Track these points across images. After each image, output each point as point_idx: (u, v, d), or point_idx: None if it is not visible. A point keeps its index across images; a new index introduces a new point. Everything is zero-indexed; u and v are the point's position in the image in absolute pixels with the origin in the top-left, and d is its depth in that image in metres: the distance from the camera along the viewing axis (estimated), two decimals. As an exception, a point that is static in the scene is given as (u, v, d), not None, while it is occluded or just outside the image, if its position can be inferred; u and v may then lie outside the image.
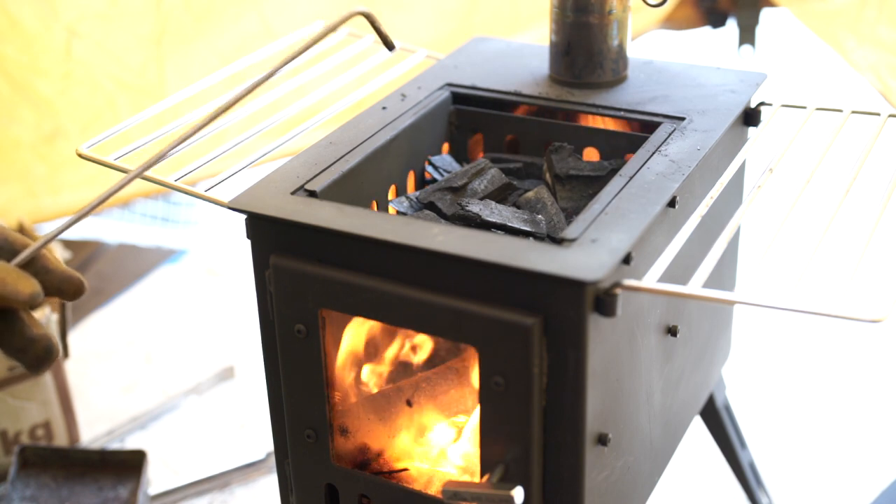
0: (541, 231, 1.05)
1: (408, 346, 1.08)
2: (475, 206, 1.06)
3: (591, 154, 1.18)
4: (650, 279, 0.88)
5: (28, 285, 0.79)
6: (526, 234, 1.04)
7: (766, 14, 2.40)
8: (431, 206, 1.09)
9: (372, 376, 1.08)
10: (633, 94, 1.19)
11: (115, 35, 1.80)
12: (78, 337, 2.03)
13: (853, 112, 1.18)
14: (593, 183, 1.12)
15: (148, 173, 1.07)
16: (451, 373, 1.05)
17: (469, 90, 1.23)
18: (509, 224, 1.04)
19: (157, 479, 1.68)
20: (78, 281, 0.85)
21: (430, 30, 2.10)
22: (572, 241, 0.90)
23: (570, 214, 1.10)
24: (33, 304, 0.79)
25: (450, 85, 1.24)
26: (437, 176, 1.17)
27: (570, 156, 1.13)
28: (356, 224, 0.94)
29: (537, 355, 0.89)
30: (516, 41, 1.37)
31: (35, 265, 0.83)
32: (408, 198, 1.11)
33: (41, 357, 0.82)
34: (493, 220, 1.04)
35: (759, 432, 1.75)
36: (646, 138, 1.10)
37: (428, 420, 1.06)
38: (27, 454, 1.58)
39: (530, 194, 1.11)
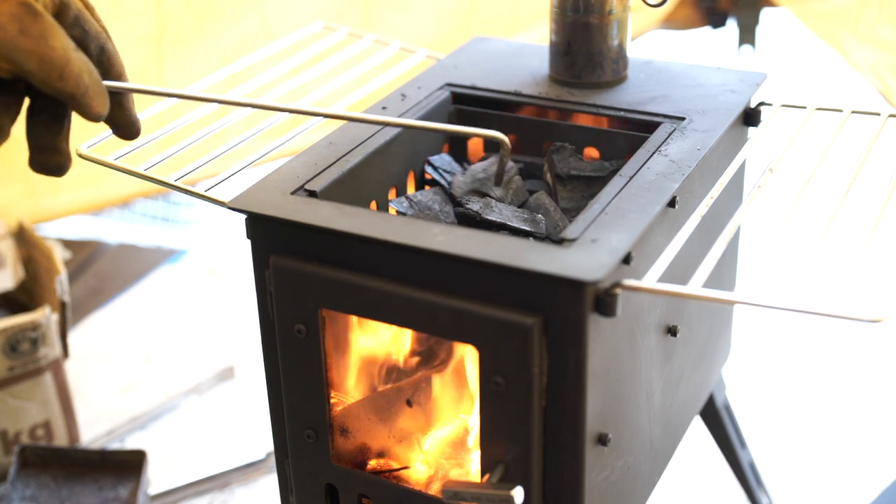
0: (541, 231, 1.05)
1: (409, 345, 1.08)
2: (475, 205, 1.06)
3: (591, 154, 1.18)
4: (650, 279, 0.88)
5: (102, 105, 0.81)
6: (526, 234, 1.04)
7: (766, 14, 2.40)
8: (429, 211, 1.09)
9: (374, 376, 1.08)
10: (633, 94, 1.19)
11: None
12: (78, 337, 2.03)
13: (853, 112, 1.18)
14: (594, 183, 1.12)
15: (148, 173, 1.07)
16: (451, 373, 1.05)
17: (469, 90, 1.23)
18: (509, 223, 1.04)
19: (157, 479, 1.68)
20: (137, 131, 0.88)
21: (430, 30, 2.10)
22: (572, 241, 0.90)
23: (571, 214, 1.10)
24: (90, 120, 0.82)
25: (450, 85, 1.24)
26: (436, 176, 1.17)
27: (571, 156, 1.13)
28: (356, 224, 0.94)
29: (537, 355, 0.89)
30: (516, 41, 1.37)
31: (117, 95, 0.86)
32: (408, 198, 1.11)
33: (52, 167, 0.85)
34: (493, 219, 1.04)
35: (759, 432, 1.75)
36: (646, 138, 1.10)
37: (428, 420, 1.06)
38: (27, 454, 1.58)
39: (530, 201, 1.11)
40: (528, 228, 1.05)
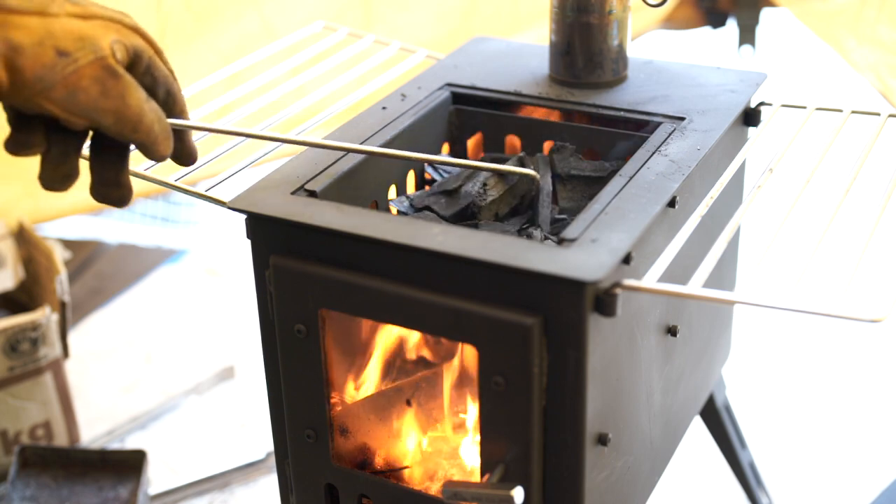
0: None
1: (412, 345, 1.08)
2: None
3: (591, 154, 1.18)
4: (650, 279, 0.88)
5: (168, 147, 0.87)
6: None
7: (766, 14, 2.40)
8: (429, 210, 1.09)
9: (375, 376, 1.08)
10: (633, 94, 1.19)
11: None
12: (78, 337, 2.03)
13: (853, 112, 1.18)
14: (594, 183, 1.12)
15: (148, 173, 1.07)
16: (451, 372, 1.05)
17: (469, 90, 1.23)
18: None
19: (157, 478, 1.68)
20: (195, 159, 0.94)
21: (430, 30, 2.10)
22: (572, 241, 0.90)
23: (571, 214, 1.10)
24: (156, 161, 0.88)
25: (450, 85, 1.24)
26: (436, 176, 1.17)
27: (571, 156, 1.13)
28: (356, 224, 0.94)
29: (537, 355, 0.89)
30: (516, 41, 1.37)
31: (179, 132, 0.91)
32: (408, 198, 1.11)
33: (114, 199, 0.90)
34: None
35: (759, 432, 1.75)
36: (646, 138, 1.10)
37: (428, 420, 1.06)
38: (27, 454, 1.58)
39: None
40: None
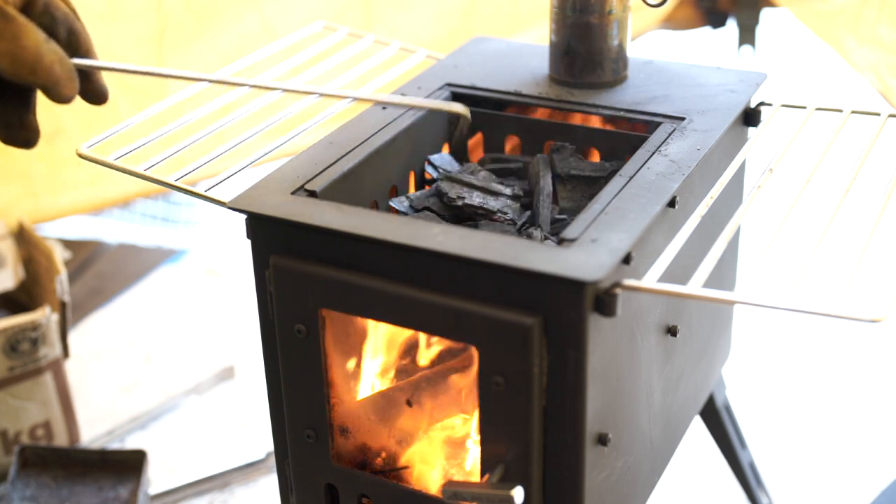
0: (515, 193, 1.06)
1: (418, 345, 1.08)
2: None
3: (591, 154, 1.18)
4: (650, 279, 0.88)
5: (72, 88, 0.84)
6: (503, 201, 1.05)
7: (766, 14, 2.40)
8: (429, 210, 1.09)
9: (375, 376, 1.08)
10: (633, 94, 1.19)
11: (115, 35, 1.79)
12: (78, 337, 2.03)
13: (853, 112, 1.18)
14: (594, 183, 1.12)
15: (148, 173, 1.07)
16: (452, 372, 1.05)
17: (469, 90, 1.23)
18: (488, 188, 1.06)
19: (157, 478, 1.68)
20: (105, 98, 0.91)
21: (430, 30, 2.10)
22: (572, 241, 0.90)
23: (571, 214, 1.10)
24: (61, 104, 0.85)
25: (450, 85, 1.24)
26: (436, 176, 1.17)
27: (571, 156, 1.13)
28: (356, 224, 0.94)
29: (537, 355, 0.89)
30: (516, 41, 1.37)
31: (87, 72, 0.88)
32: (408, 198, 1.11)
33: (20, 141, 0.88)
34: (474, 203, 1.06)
35: (759, 432, 1.75)
36: (646, 138, 1.10)
37: (428, 420, 1.06)
38: (27, 454, 1.58)
39: (530, 167, 1.12)
40: (506, 192, 1.05)
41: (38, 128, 0.89)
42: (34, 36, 0.80)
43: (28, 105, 0.87)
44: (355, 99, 0.95)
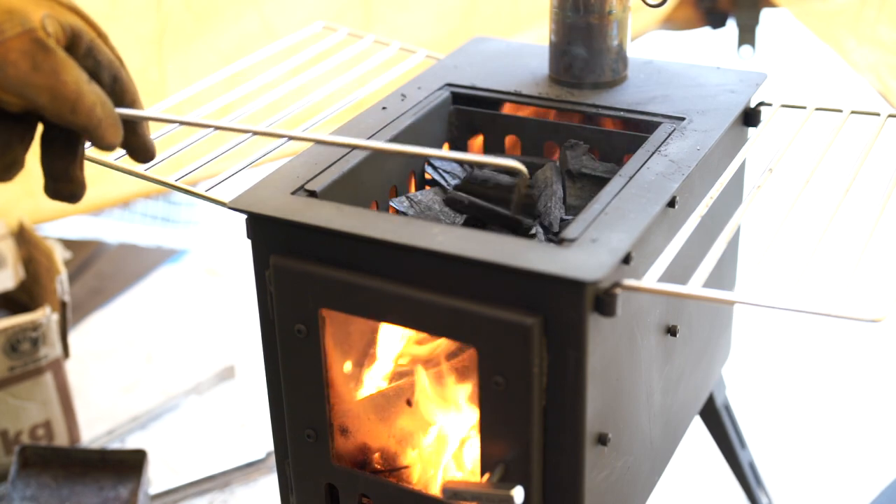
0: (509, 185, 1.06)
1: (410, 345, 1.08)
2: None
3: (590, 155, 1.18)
4: (650, 279, 0.88)
5: (115, 135, 0.82)
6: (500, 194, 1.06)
7: (766, 14, 2.40)
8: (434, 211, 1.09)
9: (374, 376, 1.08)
10: (632, 94, 1.19)
11: (115, 35, 1.78)
12: (78, 337, 2.03)
13: (853, 112, 1.18)
14: (603, 184, 1.12)
15: (148, 173, 1.07)
16: (451, 372, 1.05)
17: (469, 90, 1.23)
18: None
19: (157, 478, 1.68)
20: (152, 155, 0.89)
21: (430, 30, 2.10)
22: (572, 241, 0.90)
23: (577, 213, 1.10)
24: (104, 150, 0.83)
25: (450, 85, 1.24)
26: (436, 176, 1.17)
27: (584, 154, 1.13)
28: (356, 224, 0.94)
29: (537, 355, 0.89)
30: (516, 41, 1.37)
31: (131, 122, 0.86)
32: (408, 197, 1.11)
33: (65, 195, 0.86)
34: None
35: (759, 432, 1.75)
36: (646, 138, 1.10)
37: (428, 420, 1.06)
38: (27, 454, 1.58)
39: (537, 174, 1.11)
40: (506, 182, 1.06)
41: (84, 182, 0.87)
42: (75, 73, 0.78)
43: (75, 157, 0.85)
44: (406, 153, 0.94)
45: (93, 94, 0.79)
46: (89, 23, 0.82)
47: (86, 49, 0.81)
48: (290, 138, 0.93)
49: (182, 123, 0.91)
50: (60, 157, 0.85)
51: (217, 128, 0.92)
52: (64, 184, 0.86)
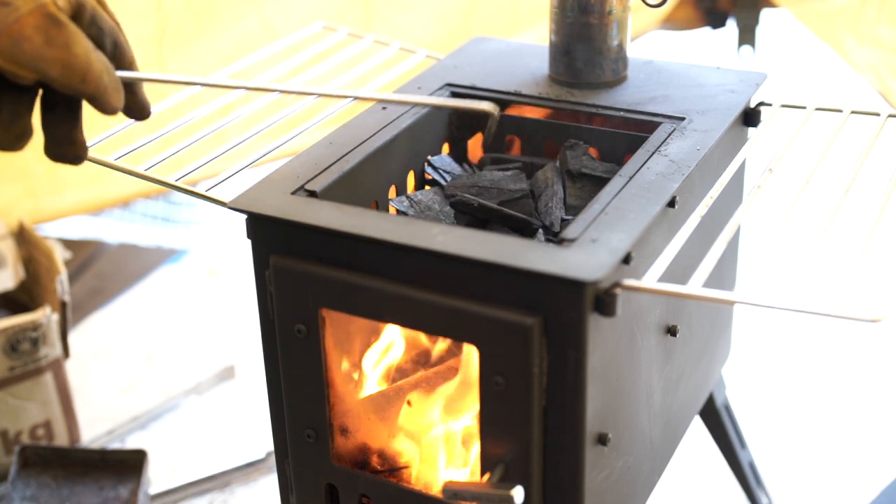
0: (524, 189, 1.06)
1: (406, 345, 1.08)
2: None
3: (590, 154, 1.18)
4: (650, 279, 0.88)
5: (119, 99, 0.84)
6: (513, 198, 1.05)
7: (766, 14, 2.40)
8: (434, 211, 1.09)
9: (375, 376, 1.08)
10: (632, 94, 1.19)
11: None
12: (78, 337, 2.03)
13: (853, 112, 1.18)
14: (603, 184, 1.12)
15: (148, 173, 1.07)
16: (452, 372, 1.05)
17: (469, 90, 1.23)
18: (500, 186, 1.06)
19: (157, 478, 1.68)
20: (148, 112, 0.91)
21: (430, 30, 2.10)
22: (572, 241, 0.90)
23: (577, 213, 1.10)
24: (107, 114, 0.85)
25: (450, 85, 1.24)
26: (436, 176, 1.17)
27: (584, 154, 1.13)
28: (356, 224, 0.94)
29: (537, 355, 0.89)
30: (516, 41, 1.37)
31: (129, 85, 0.89)
32: (408, 197, 1.11)
33: (69, 157, 0.88)
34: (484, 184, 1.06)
35: (759, 432, 1.75)
36: (646, 138, 1.10)
37: (428, 420, 1.06)
38: (27, 454, 1.58)
39: (539, 174, 1.11)
40: (516, 186, 1.05)
41: (85, 143, 0.89)
42: (84, 44, 0.80)
43: (76, 120, 0.87)
44: (384, 101, 0.95)
45: (99, 62, 0.81)
46: None
47: (89, 18, 0.83)
48: (279, 91, 0.95)
49: (176, 83, 0.94)
50: (63, 122, 0.87)
51: (205, 85, 0.95)
52: (68, 147, 0.88)
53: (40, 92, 0.86)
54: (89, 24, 0.83)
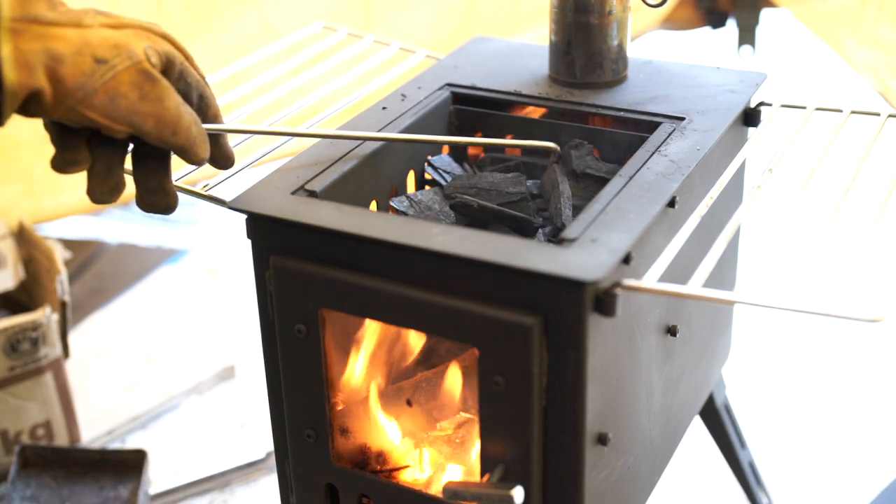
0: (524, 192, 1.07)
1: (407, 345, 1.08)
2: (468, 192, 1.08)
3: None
4: (650, 279, 0.88)
5: (206, 150, 0.89)
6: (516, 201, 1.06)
7: (765, 14, 2.40)
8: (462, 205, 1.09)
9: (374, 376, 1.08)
10: (632, 94, 1.19)
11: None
12: (78, 337, 2.03)
13: (853, 112, 1.18)
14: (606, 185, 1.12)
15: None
16: (452, 372, 1.05)
17: (469, 90, 1.23)
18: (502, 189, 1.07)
19: (157, 478, 1.68)
20: (232, 162, 0.96)
21: (430, 30, 2.10)
22: (572, 241, 0.90)
23: (579, 213, 1.10)
24: (195, 165, 0.90)
25: (450, 85, 1.24)
26: (436, 176, 1.17)
27: (588, 154, 1.13)
28: (356, 224, 0.94)
29: (537, 355, 0.89)
30: (516, 41, 1.37)
31: (214, 136, 0.93)
32: (408, 197, 1.11)
33: (161, 208, 0.92)
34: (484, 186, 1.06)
35: (759, 432, 1.75)
36: (646, 138, 1.10)
37: (428, 420, 1.06)
38: (28, 454, 1.58)
39: (545, 176, 1.11)
40: (516, 190, 1.06)
41: (175, 193, 0.92)
42: (175, 98, 0.84)
43: (166, 171, 0.90)
44: (441, 142, 1.03)
45: (188, 115, 0.85)
46: (178, 48, 0.88)
47: (178, 73, 0.86)
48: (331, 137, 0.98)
49: (264, 133, 0.98)
50: (154, 173, 0.90)
51: (293, 135, 1.00)
52: (160, 197, 0.91)
53: (131, 145, 0.88)
54: (178, 79, 0.86)
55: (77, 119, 0.81)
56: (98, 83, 0.80)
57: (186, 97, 0.88)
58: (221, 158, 0.95)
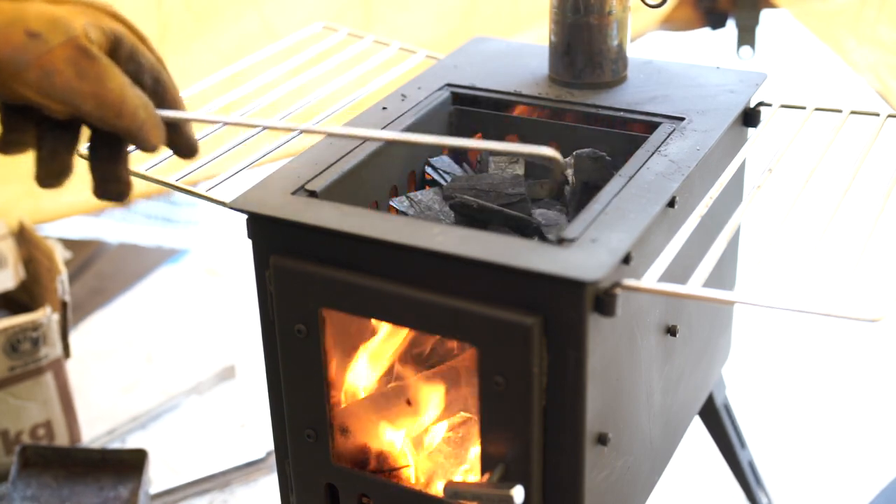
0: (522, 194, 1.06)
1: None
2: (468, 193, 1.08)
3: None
4: (650, 279, 0.88)
5: (158, 136, 0.83)
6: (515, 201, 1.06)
7: (765, 15, 2.40)
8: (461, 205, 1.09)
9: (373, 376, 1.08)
10: (632, 95, 1.19)
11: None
12: (78, 337, 2.03)
13: (852, 112, 1.18)
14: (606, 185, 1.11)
15: (148, 173, 1.07)
16: (452, 372, 1.05)
17: (469, 90, 1.23)
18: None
19: (157, 478, 1.68)
20: (195, 151, 0.89)
21: (430, 30, 2.10)
22: (572, 241, 0.90)
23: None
24: (147, 151, 0.84)
25: (450, 85, 1.24)
26: (436, 177, 1.17)
27: (603, 166, 1.12)
28: (356, 224, 0.94)
29: (537, 355, 0.89)
30: (516, 41, 1.37)
31: (176, 124, 0.88)
32: (408, 197, 1.11)
33: (112, 195, 0.88)
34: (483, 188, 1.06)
35: (759, 432, 1.75)
36: (646, 138, 1.10)
37: (428, 420, 1.06)
38: (28, 454, 1.58)
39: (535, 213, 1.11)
40: (517, 191, 1.06)
41: (130, 182, 0.89)
42: (119, 79, 0.80)
43: (119, 158, 0.87)
44: (440, 145, 0.95)
45: (136, 97, 0.81)
46: (130, 28, 0.84)
47: (128, 54, 0.83)
48: (330, 135, 0.93)
49: (225, 124, 0.91)
50: (107, 160, 0.87)
51: (265, 127, 0.93)
52: (112, 184, 0.87)
53: (82, 129, 0.86)
54: (127, 60, 0.83)
55: (12, 96, 0.78)
56: (31, 57, 0.76)
57: (137, 79, 0.83)
58: (183, 147, 0.88)
